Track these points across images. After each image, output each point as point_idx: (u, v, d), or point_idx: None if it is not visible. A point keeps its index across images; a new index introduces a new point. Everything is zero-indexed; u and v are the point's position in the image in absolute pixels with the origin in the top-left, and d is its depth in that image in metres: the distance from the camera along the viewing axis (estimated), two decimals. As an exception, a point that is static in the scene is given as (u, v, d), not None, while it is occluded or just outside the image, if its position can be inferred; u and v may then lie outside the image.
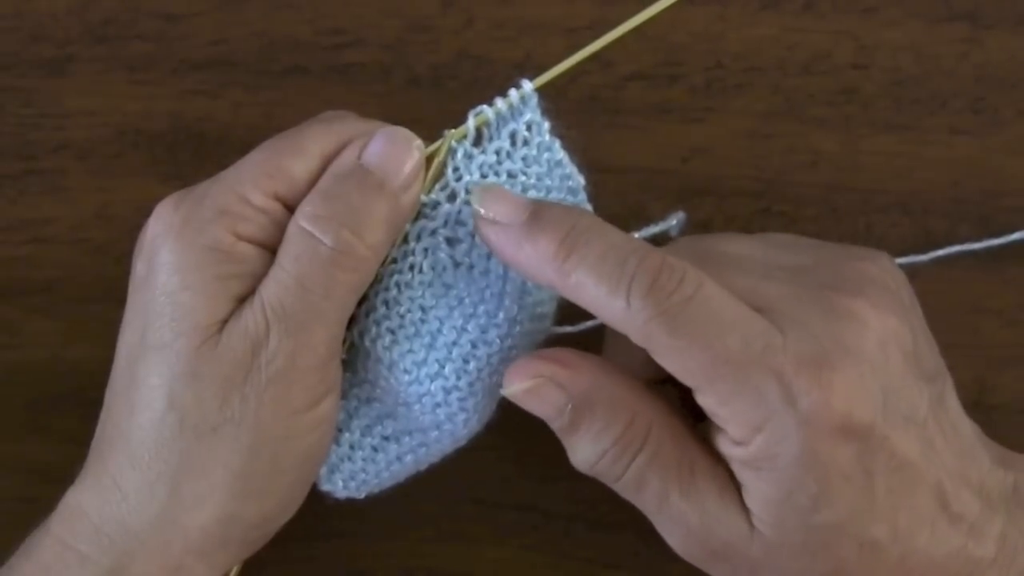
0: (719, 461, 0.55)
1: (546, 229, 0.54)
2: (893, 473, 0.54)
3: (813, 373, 0.52)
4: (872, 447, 0.53)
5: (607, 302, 0.53)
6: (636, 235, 0.64)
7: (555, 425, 0.57)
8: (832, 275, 0.56)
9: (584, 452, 0.56)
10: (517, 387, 0.56)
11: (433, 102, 0.69)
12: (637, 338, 0.53)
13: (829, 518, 0.53)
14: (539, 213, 0.55)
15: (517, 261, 0.55)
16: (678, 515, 0.55)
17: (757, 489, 0.54)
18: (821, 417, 0.52)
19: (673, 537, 0.56)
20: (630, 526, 0.66)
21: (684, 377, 0.53)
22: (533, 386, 0.56)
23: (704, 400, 0.54)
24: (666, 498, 0.55)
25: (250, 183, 0.56)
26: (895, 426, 0.54)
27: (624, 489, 0.56)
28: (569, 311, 0.61)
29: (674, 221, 0.66)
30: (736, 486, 0.55)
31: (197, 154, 0.69)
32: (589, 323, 0.64)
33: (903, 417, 0.54)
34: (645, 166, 0.69)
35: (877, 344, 0.54)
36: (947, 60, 0.69)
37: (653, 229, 0.65)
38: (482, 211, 0.56)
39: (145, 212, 0.58)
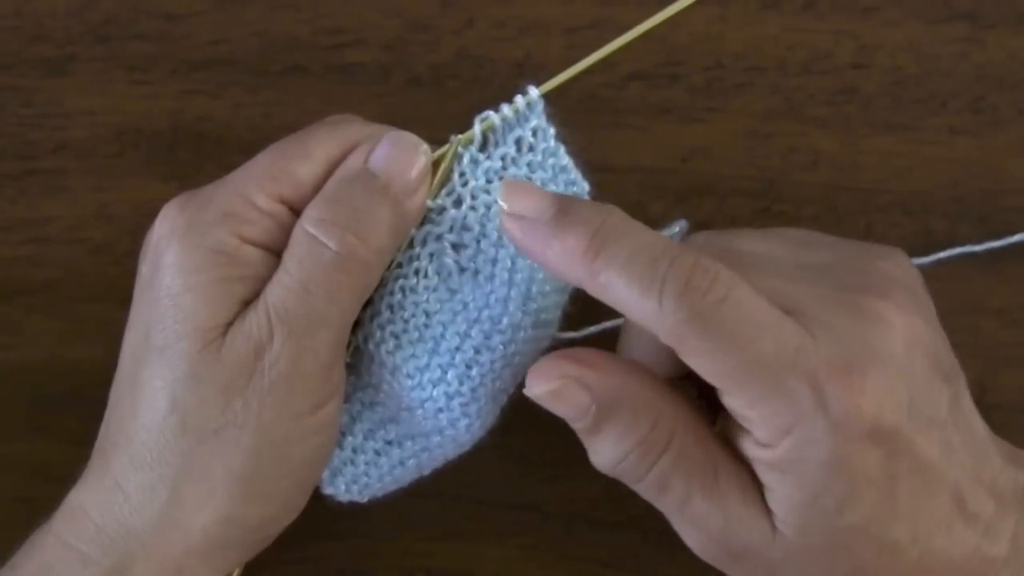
0: (742, 463, 0.55)
1: (574, 226, 0.53)
2: (915, 475, 0.53)
3: (844, 378, 0.51)
4: (898, 450, 0.53)
5: (638, 302, 0.52)
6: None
7: (577, 426, 0.55)
8: (856, 275, 0.56)
9: (607, 454, 0.55)
10: (544, 388, 0.55)
11: (433, 102, 0.69)
12: (668, 339, 0.52)
13: (852, 520, 0.53)
14: (567, 209, 0.53)
15: (545, 258, 0.54)
16: (700, 517, 0.55)
17: (782, 492, 0.53)
18: (852, 422, 0.51)
19: (692, 539, 0.56)
20: (630, 526, 0.66)
21: (713, 379, 0.53)
22: (559, 387, 0.55)
23: (732, 402, 0.53)
24: (688, 500, 0.54)
25: (255, 186, 0.56)
26: (919, 428, 0.53)
27: (646, 490, 0.55)
28: (572, 316, 0.61)
29: (676, 229, 0.65)
30: (758, 488, 0.54)
31: (197, 154, 0.69)
32: (592, 328, 0.64)
33: (927, 419, 0.54)
34: (645, 166, 0.69)
35: (903, 347, 0.54)
36: (947, 60, 0.69)
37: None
38: (506, 206, 0.54)
39: (145, 212, 0.58)
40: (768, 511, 0.54)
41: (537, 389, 0.55)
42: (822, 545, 0.53)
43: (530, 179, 0.58)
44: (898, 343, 0.53)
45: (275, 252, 0.56)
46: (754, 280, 0.53)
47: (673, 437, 0.55)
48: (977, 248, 0.68)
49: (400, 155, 0.56)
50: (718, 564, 0.56)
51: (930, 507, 0.54)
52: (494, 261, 0.58)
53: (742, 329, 0.52)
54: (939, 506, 0.54)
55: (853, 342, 0.53)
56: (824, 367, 0.52)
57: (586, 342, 0.63)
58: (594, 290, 0.53)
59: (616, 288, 0.52)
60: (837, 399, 0.51)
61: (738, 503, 0.54)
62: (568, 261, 0.53)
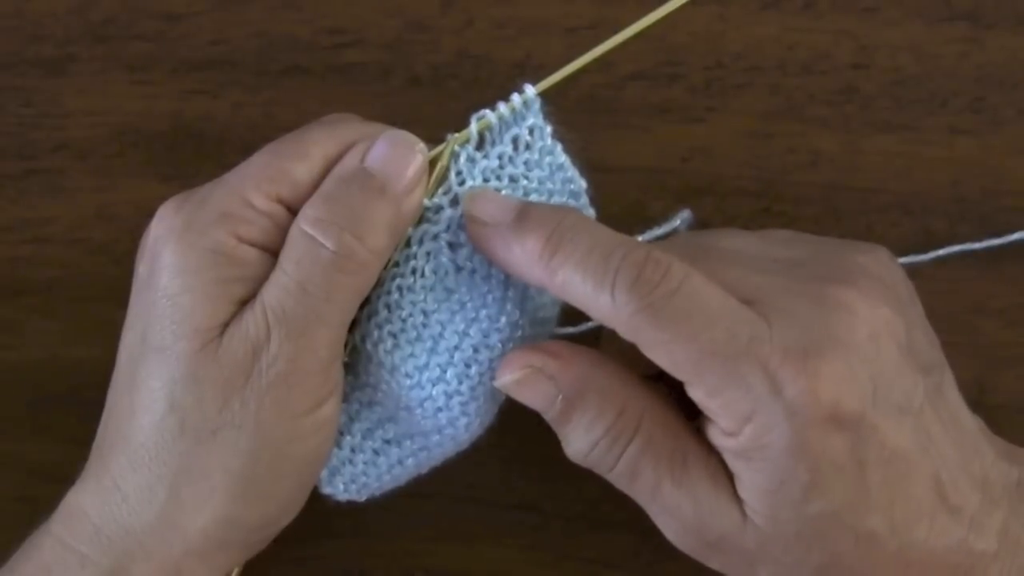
0: (712, 452, 0.55)
1: (532, 228, 0.55)
2: (886, 463, 0.54)
3: (799, 362, 0.52)
4: (863, 437, 0.53)
5: (593, 297, 0.54)
6: (640, 237, 0.64)
7: (548, 416, 0.57)
8: (825, 267, 0.56)
9: (577, 442, 0.57)
10: (508, 378, 0.57)
11: (433, 102, 0.69)
12: (624, 332, 0.54)
13: (822, 508, 0.53)
14: (526, 213, 0.55)
15: (507, 262, 0.56)
16: (671, 505, 0.56)
17: (749, 479, 0.54)
18: (808, 406, 0.52)
19: (668, 528, 0.57)
20: (630, 526, 0.66)
21: (672, 370, 0.54)
22: (523, 376, 0.57)
23: (694, 392, 0.54)
24: (659, 488, 0.55)
25: (252, 186, 0.56)
26: (886, 416, 0.54)
27: (618, 480, 0.57)
28: (571, 312, 0.61)
29: (678, 221, 0.66)
30: (729, 477, 0.55)
31: (197, 154, 0.69)
32: (590, 323, 0.64)
33: (896, 407, 0.54)
34: (645, 166, 0.69)
35: (867, 334, 0.54)
36: (947, 60, 0.69)
37: (658, 231, 0.65)
38: (472, 212, 0.56)
39: (145, 212, 0.58)
40: (739, 500, 0.55)
41: (504, 378, 0.57)
42: (794, 534, 0.54)
43: (527, 177, 0.59)
44: (861, 330, 0.54)
45: (272, 252, 0.56)
46: (718, 273, 0.55)
47: (641, 424, 0.56)
48: (977, 247, 0.68)
49: (397, 154, 0.56)
50: (697, 556, 0.57)
51: (906, 497, 0.54)
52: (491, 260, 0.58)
53: (694, 319, 0.53)
54: (917, 496, 0.54)
55: (811, 329, 0.53)
56: (778, 353, 0.52)
57: (584, 338, 0.63)
58: (554, 289, 0.55)
59: (573, 285, 0.54)
60: (791, 384, 0.52)
61: (708, 491, 0.55)
62: (529, 262, 0.55)
